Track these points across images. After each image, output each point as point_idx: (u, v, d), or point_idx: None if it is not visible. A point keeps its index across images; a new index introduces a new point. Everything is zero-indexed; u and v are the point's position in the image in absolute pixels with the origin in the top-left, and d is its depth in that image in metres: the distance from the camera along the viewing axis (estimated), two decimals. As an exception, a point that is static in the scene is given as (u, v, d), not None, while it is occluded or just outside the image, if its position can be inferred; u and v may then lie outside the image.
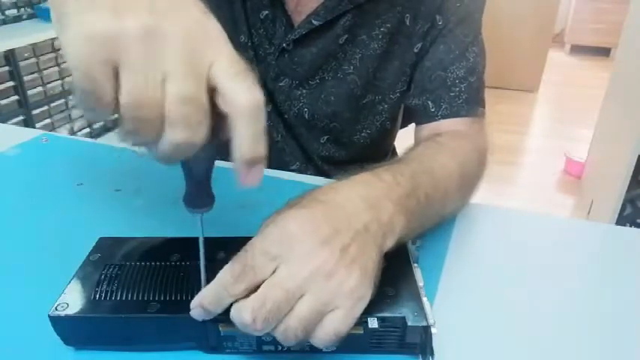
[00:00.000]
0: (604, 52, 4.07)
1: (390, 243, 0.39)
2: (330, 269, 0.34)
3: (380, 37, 0.63)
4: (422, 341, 0.37)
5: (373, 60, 0.64)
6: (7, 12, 1.57)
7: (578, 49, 4.22)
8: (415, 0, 0.62)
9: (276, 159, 0.72)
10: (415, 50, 0.64)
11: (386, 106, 0.68)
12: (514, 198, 2.17)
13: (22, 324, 0.42)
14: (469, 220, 0.56)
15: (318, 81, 0.66)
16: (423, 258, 0.47)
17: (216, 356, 0.39)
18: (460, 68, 0.62)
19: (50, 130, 1.29)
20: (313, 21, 0.61)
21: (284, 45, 0.63)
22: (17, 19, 1.60)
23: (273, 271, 0.34)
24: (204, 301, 0.35)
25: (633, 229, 0.57)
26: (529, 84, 3.40)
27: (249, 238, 0.37)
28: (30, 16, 1.62)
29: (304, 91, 0.67)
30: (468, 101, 0.63)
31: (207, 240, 0.39)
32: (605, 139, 1.93)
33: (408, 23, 0.63)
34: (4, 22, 1.57)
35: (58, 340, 0.39)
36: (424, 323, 0.36)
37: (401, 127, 0.90)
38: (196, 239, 0.38)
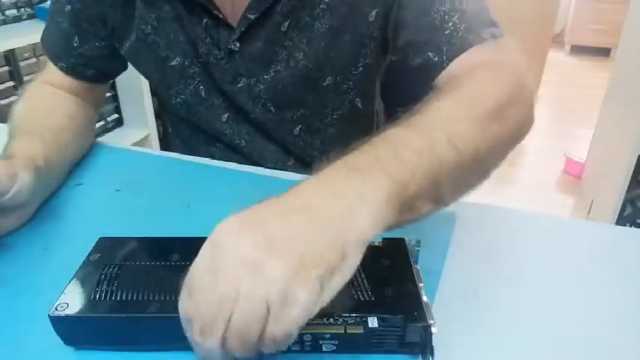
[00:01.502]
0: (604, 52, 4.07)
1: (368, 221, 0.33)
2: (257, 258, 0.31)
3: (321, 14, 0.60)
4: (422, 341, 0.37)
5: (321, 40, 0.61)
6: (7, 12, 1.57)
7: (578, 50, 4.22)
8: None
9: (247, 163, 0.69)
10: (370, 19, 0.60)
11: (350, 83, 0.66)
12: (514, 198, 2.17)
13: (23, 324, 0.42)
14: (469, 220, 0.56)
15: (273, 74, 0.64)
16: (423, 258, 0.47)
17: None
18: (443, 3, 0.55)
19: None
20: (249, 15, 0.60)
21: (230, 47, 0.63)
22: (17, 19, 1.60)
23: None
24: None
25: (633, 229, 0.57)
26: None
27: None
28: (30, 16, 1.62)
29: (262, 87, 0.66)
30: (469, 29, 0.55)
31: (203, 239, 0.36)
32: (605, 139, 1.93)
33: None
34: (4, 22, 1.57)
35: (59, 340, 0.39)
36: (424, 323, 0.36)
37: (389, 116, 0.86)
38: (196, 239, 0.37)
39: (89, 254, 0.43)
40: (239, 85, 0.66)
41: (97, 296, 0.38)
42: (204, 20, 0.62)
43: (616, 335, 0.42)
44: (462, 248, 0.51)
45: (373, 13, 0.60)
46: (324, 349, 0.38)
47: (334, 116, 0.69)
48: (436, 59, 0.56)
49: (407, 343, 0.38)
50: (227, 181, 0.65)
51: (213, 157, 0.71)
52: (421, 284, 0.39)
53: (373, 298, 0.37)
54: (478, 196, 0.58)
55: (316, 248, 0.31)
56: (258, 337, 0.31)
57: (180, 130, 0.79)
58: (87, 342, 0.39)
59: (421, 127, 0.41)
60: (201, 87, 0.68)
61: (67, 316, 0.37)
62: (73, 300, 0.38)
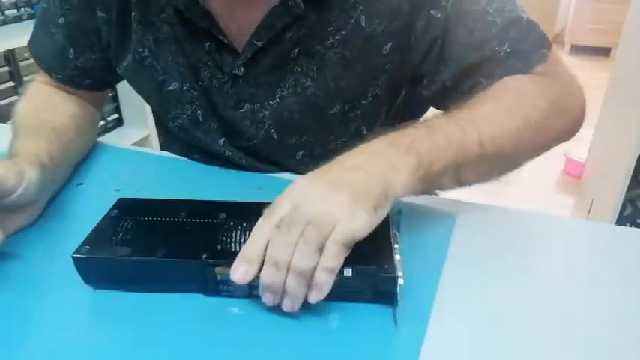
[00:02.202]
0: (604, 52, 4.07)
1: (398, 180, 0.45)
2: (330, 194, 0.43)
3: (336, 45, 0.59)
4: (391, 291, 0.42)
5: (332, 69, 0.60)
6: (7, 12, 1.57)
7: (578, 49, 4.22)
8: (368, 0, 0.57)
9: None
10: (385, 52, 0.59)
11: (358, 112, 0.65)
12: (514, 198, 2.17)
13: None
14: (469, 220, 0.56)
15: (278, 99, 0.62)
16: (423, 258, 0.47)
17: (214, 298, 0.44)
18: (492, 35, 0.56)
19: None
20: (256, 42, 0.58)
21: (235, 72, 0.61)
22: (17, 19, 1.60)
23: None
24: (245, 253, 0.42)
25: (633, 229, 0.57)
26: (529, 84, 3.39)
27: (245, 203, 0.51)
28: (30, 16, 1.62)
29: (266, 112, 0.63)
30: (520, 55, 0.57)
31: (210, 202, 0.51)
32: (605, 139, 1.93)
33: (364, 25, 0.58)
34: (4, 22, 1.57)
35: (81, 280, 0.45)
36: (392, 274, 0.42)
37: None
38: (203, 202, 0.52)
39: (109, 211, 0.50)
40: (242, 110, 0.64)
41: (115, 242, 0.45)
42: (207, 44, 0.60)
43: (616, 335, 0.42)
44: (462, 248, 0.51)
45: (387, 46, 0.59)
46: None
47: (337, 143, 0.68)
48: (485, 82, 0.58)
49: (379, 293, 0.43)
50: (227, 181, 0.65)
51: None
52: (396, 245, 0.45)
53: (351, 254, 0.42)
54: (478, 196, 0.58)
55: (369, 189, 0.43)
56: (322, 244, 0.40)
57: (174, 151, 0.75)
58: (104, 281, 0.46)
59: (459, 122, 0.51)
60: (199, 111, 0.66)
61: (88, 258, 0.44)
62: (93, 244, 0.45)
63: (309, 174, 0.46)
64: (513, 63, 0.57)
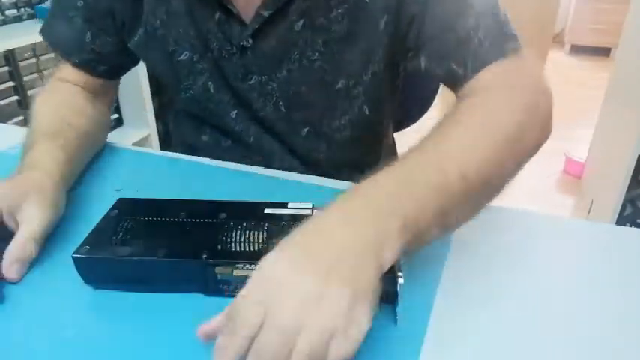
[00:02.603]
0: (604, 52, 4.07)
1: (390, 254, 0.38)
2: (319, 292, 0.33)
3: (340, 18, 0.60)
4: (391, 290, 0.41)
5: (337, 43, 0.62)
6: (7, 12, 1.57)
7: (578, 49, 4.22)
8: None
9: (253, 160, 0.70)
10: (381, 27, 0.60)
11: (361, 89, 0.66)
12: (514, 198, 2.16)
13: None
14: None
15: (285, 73, 0.64)
16: (424, 258, 0.47)
17: (214, 298, 0.44)
18: (467, 19, 0.56)
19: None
20: (262, 12, 0.60)
21: (242, 43, 0.63)
22: (17, 19, 1.60)
23: (263, 318, 0.33)
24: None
25: (633, 229, 0.57)
26: (529, 84, 3.40)
27: (245, 203, 0.51)
28: (30, 16, 1.62)
29: (274, 85, 0.65)
30: (492, 44, 0.56)
31: (210, 202, 0.51)
32: (605, 139, 1.93)
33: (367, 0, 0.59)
34: (4, 22, 1.57)
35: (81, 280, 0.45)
36: (392, 274, 0.41)
37: (397, 130, 0.88)
38: (203, 202, 0.51)
39: (109, 211, 0.50)
40: (250, 82, 0.66)
41: (114, 242, 0.45)
42: (217, 15, 0.62)
43: (616, 335, 0.42)
44: (461, 248, 0.51)
45: (383, 20, 0.60)
46: None
47: (342, 121, 0.69)
48: (460, 72, 0.57)
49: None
50: (227, 181, 0.65)
51: (215, 157, 0.71)
52: None
53: None
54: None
55: (362, 277, 0.36)
56: None
57: (183, 130, 0.78)
58: (104, 281, 0.46)
59: (434, 158, 0.45)
60: (210, 82, 0.68)
61: (88, 257, 0.44)
62: (93, 244, 0.45)
63: (282, 243, 0.37)
64: (487, 51, 0.56)
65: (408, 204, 0.41)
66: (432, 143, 0.47)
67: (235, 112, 0.69)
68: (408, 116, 0.96)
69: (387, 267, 0.38)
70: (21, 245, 0.47)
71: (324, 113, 0.68)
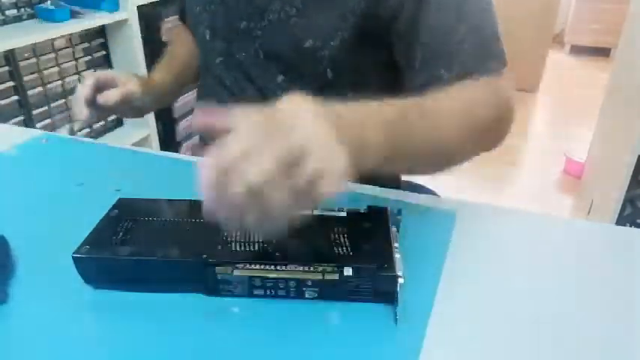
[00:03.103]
0: (604, 52, 4.07)
1: (367, 157, 0.43)
2: (303, 115, 0.39)
3: None
4: (391, 290, 0.42)
5: (314, 3, 0.64)
6: (7, 12, 1.57)
7: (578, 49, 4.21)
8: None
9: (231, 99, 0.78)
10: None
11: (326, 52, 0.67)
12: (514, 198, 2.17)
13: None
14: (469, 220, 0.56)
15: (266, 23, 0.68)
16: (424, 258, 0.47)
17: (214, 298, 0.44)
18: (460, 28, 0.59)
19: (50, 131, 1.29)
20: None
21: None
22: (17, 19, 1.59)
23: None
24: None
25: (633, 229, 0.57)
26: (529, 84, 3.40)
27: None
28: (30, 16, 1.62)
29: (259, 32, 0.70)
30: (480, 59, 0.59)
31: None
32: (605, 139, 1.93)
33: None
34: (4, 22, 1.57)
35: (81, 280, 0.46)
36: (392, 273, 0.42)
37: None
38: (201, 202, 0.44)
39: (109, 211, 0.51)
40: (241, 26, 0.71)
41: (114, 242, 0.46)
42: None
43: (616, 335, 0.42)
44: (462, 248, 0.51)
45: None
46: (306, 295, 0.44)
47: (308, 79, 0.71)
48: (445, 76, 0.59)
49: (379, 292, 0.43)
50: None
51: (202, 90, 0.84)
52: (396, 244, 0.45)
53: (351, 253, 0.43)
54: (478, 196, 0.58)
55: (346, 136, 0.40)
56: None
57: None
58: (104, 281, 0.46)
59: (416, 112, 0.51)
60: (207, 31, 0.75)
61: (88, 257, 0.44)
62: (93, 244, 0.45)
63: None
64: (474, 62, 0.59)
65: (380, 126, 0.46)
66: (419, 101, 0.53)
67: (220, 59, 0.75)
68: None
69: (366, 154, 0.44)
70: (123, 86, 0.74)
71: (295, 67, 0.71)
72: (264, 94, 0.74)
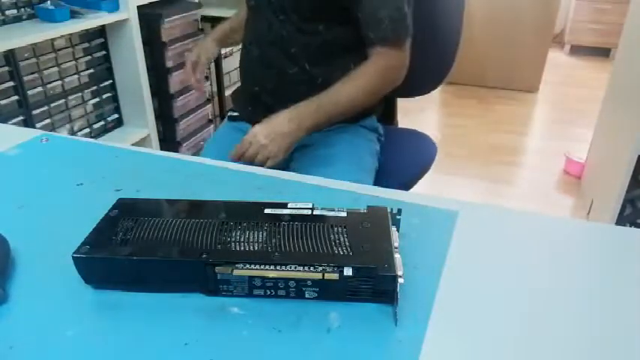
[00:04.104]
0: (604, 52, 4.07)
1: (300, 132, 0.92)
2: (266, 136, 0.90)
3: None
4: (391, 290, 0.42)
5: None
6: (7, 12, 1.57)
7: (578, 50, 4.22)
8: None
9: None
10: None
11: (284, 3, 0.95)
12: (514, 198, 2.17)
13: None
14: (469, 220, 0.56)
15: None
16: (424, 259, 0.47)
17: (214, 298, 0.45)
18: (387, 4, 0.91)
19: (50, 130, 1.29)
20: None
21: None
22: (17, 19, 1.59)
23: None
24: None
25: (633, 229, 0.57)
26: (529, 84, 3.40)
27: (245, 203, 0.52)
28: (30, 16, 1.62)
29: None
30: (398, 31, 0.93)
31: (210, 202, 0.52)
32: (605, 139, 1.93)
33: None
34: (4, 22, 1.57)
35: (81, 280, 0.46)
36: (392, 273, 0.42)
37: (410, 95, 1.28)
38: (201, 202, 0.52)
39: (109, 211, 0.51)
40: None
41: (114, 242, 0.46)
42: None
43: (616, 335, 0.42)
44: (462, 248, 0.51)
45: None
46: (306, 295, 0.44)
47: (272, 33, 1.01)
48: (372, 36, 0.93)
49: (379, 292, 0.43)
50: (227, 181, 0.65)
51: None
52: (396, 244, 0.45)
53: (351, 253, 0.43)
54: (478, 196, 0.59)
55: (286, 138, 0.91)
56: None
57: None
58: (104, 281, 0.46)
59: (335, 95, 0.94)
60: None
61: (88, 257, 0.44)
62: (93, 244, 0.46)
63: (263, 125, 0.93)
64: (390, 32, 0.92)
65: (310, 119, 0.93)
66: (339, 87, 0.94)
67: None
68: (420, 85, 1.24)
69: (301, 134, 0.92)
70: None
71: (264, 16, 1.00)
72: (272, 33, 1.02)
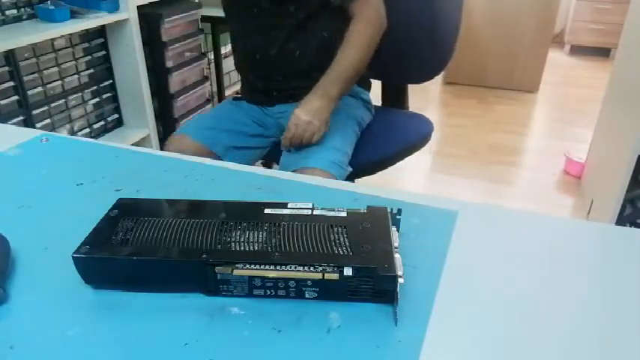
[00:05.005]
0: (604, 52, 4.07)
1: (331, 102, 1.10)
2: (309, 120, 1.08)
3: None
4: (391, 290, 0.42)
5: None
6: (7, 12, 1.57)
7: (578, 50, 4.22)
8: None
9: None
10: None
11: None
12: (514, 198, 2.17)
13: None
14: (469, 220, 0.56)
15: None
16: (424, 259, 0.47)
17: (214, 298, 0.45)
18: None
19: (50, 130, 1.29)
20: None
21: None
22: (17, 19, 1.60)
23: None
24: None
25: (633, 229, 0.57)
26: (529, 84, 3.40)
27: (245, 203, 0.52)
28: (30, 16, 1.62)
29: None
30: None
31: (210, 202, 0.52)
32: (605, 139, 1.93)
33: None
34: (4, 22, 1.57)
35: (81, 280, 0.46)
36: (392, 273, 0.42)
37: (415, 82, 1.46)
38: (203, 202, 0.52)
39: (109, 211, 0.51)
40: None
41: (114, 242, 0.46)
42: None
43: (616, 335, 0.42)
44: (462, 248, 0.51)
45: None
46: (306, 295, 0.44)
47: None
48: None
49: (379, 292, 0.43)
50: (227, 181, 0.65)
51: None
52: (396, 244, 0.45)
53: (351, 253, 0.44)
54: (478, 196, 0.59)
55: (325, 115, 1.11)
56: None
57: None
58: (104, 281, 0.46)
59: (345, 61, 1.11)
60: None
61: (88, 257, 0.44)
62: (93, 244, 0.45)
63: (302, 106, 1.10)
64: None
65: (334, 88, 1.10)
66: (344, 52, 1.11)
67: None
68: (423, 72, 1.38)
69: (332, 104, 1.10)
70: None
71: None
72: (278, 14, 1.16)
